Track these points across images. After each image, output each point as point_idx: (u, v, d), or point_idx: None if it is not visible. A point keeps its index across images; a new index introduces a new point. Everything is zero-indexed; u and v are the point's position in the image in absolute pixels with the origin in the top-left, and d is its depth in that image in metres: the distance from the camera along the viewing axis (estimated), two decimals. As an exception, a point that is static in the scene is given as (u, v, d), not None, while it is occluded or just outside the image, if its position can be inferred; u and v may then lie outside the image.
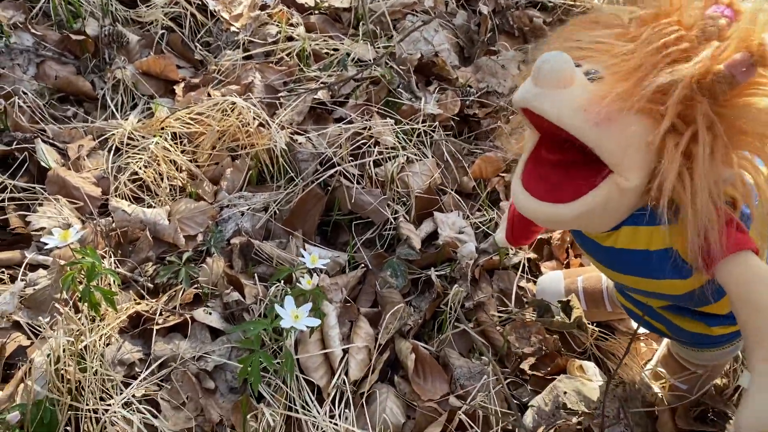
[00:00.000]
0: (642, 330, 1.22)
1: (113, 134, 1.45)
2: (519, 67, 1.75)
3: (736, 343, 0.99)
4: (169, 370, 1.08)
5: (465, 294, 1.23)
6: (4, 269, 1.20)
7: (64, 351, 0.99)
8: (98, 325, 1.09)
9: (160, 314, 1.16)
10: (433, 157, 1.47)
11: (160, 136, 1.42)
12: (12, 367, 1.07)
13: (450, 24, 1.89)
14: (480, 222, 1.39)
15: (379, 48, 1.71)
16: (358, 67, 1.63)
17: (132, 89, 1.59)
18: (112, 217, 1.30)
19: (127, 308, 1.15)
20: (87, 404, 0.99)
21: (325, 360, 1.11)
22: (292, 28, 1.73)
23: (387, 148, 1.40)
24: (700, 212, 0.69)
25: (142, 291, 1.21)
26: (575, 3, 1.97)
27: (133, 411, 1.00)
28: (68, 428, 0.99)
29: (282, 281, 1.16)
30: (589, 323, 1.19)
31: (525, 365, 1.16)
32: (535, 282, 1.30)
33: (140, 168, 1.36)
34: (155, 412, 1.02)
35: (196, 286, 1.21)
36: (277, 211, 1.32)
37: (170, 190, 1.38)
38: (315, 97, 1.53)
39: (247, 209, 1.31)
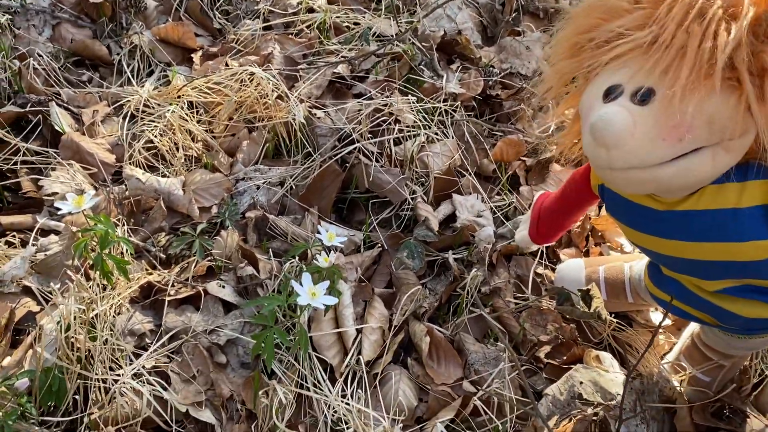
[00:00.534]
0: (667, 321, 1.20)
1: (128, 101, 1.42)
2: (543, 49, 1.70)
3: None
4: (180, 342, 1.06)
5: (482, 279, 1.21)
6: (15, 233, 1.18)
7: (74, 319, 0.97)
8: (109, 294, 1.07)
9: (172, 285, 1.14)
10: (453, 137, 1.44)
11: (177, 105, 1.39)
12: (21, 332, 1.06)
13: (474, 2, 1.85)
14: (499, 206, 1.36)
15: (401, 23, 1.67)
16: (379, 43, 1.60)
17: (149, 56, 1.56)
18: (125, 185, 1.28)
19: (139, 278, 1.13)
20: (96, 373, 0.97)
21: (339, 339, 1.09)
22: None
23: (407, 127, 1.37)
24: None
25: (154, 261, 1.19)
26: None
27: (143, 382, 0.99)
28: (77, 397, 0.97)
29: (297, 258, 1.14)
30: (609, 314, 1.16)
31: (541, 353, 1.14)
32: (553, 269, 1.27)
33: (155, 136, 1.34)
34: (165, 384, 1.00)
35: (209, 258, 1.19)
36: (294, 187, 1.29)
37: (185, 160, 1.35)
38: (335, 71, 1.49)
39: (263, 183, 1.29)
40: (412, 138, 1.37)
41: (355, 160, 1.31)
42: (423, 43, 1.62)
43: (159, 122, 1.36)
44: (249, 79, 1.38)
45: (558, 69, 0.83)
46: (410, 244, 1.22)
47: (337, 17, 1.66)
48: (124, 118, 1.39)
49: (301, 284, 0.90)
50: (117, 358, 1.01)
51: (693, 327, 1.11)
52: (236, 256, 1.16)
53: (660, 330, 1.21)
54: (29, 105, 1.36)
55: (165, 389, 0.99)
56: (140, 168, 1.31)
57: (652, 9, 0.71)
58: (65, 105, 1.41)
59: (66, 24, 1.57)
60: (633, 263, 1.14)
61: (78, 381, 0.98)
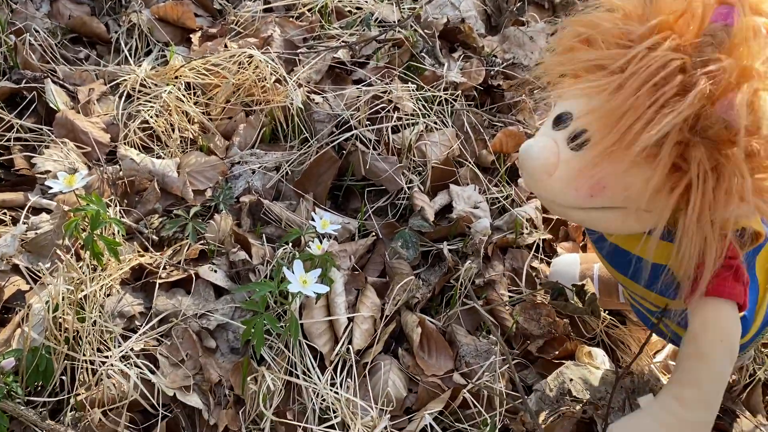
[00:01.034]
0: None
1: (125, 80, 1.40)
2: (547, 40, 1.69)
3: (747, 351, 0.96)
4: (170, 325, 1.06)
5: (476, 271, 1.20)
6: (6, 210, 1.17)
7: (63, 299, 0.96)
8: (99, 275, 1.06)
9: (164, 268, 1.13)
10: (453, 127, 1.42)
11: (174, 86, 1.37)
12: (9, 311, 1.05)
13: (479, -10, 1.83)
14: (497, 198, 1.35)
15: (404, 9, 1.65)
16: (381, 28, 1.58)
17: (147, 35, 1.54)
18: (119, 165, 1.27)
19: (130, 260, 1.12)
20: (84, 355, 0.97)
21: (330, 327, 1.08)
22: (316, -18, 1.67)
23: (406, 115, 1.36)
24: (685, 249, 0.70)
25: (146, 243, 1.18)
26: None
27: (131, 365, 0.98)
28: (63, 378, 0.97)
29: (290, 244, 1.13)
30: (601, 310, 1.16)
31: (532, 347, 1.13)
32: (548, 263, 1.27)
33: (151, 117, 1.32)
34: (153, 367, 1.00)
35: (202, 242, 1.18)
36: (289, 172, 1.28)
37: (181, 141, 1.34)
38: (335, 56, 1.48)
39: (259, 167, 1.27)
40: (411, 126, 1.36)
41: (352, 147, 1.29)
42: (425, 30, 1.60)
43: (155, 102, 1.34)
44: (247, 61, 1.36)
45: (551, 62, 0.82)
46: (405, 233, 1.20)
47: (339, 1, 1.64)
48: (120, 98, 1.38)
49: (292, 271, 0.89)
50: (105, 340, 1.00)
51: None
52: (229, 241, 1.15)
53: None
54: (24, 81, 1.34)
55: (153, 373, 0.98)
56: (135, 148, 1.30)
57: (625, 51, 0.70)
58: (61, 82, 1.39)
59: (64, 0, 1.55)
60: None
61: (65, 362, 0.97)
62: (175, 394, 0.97)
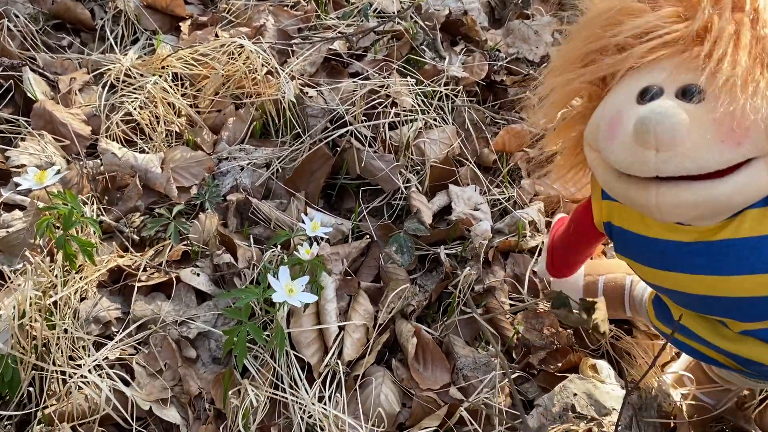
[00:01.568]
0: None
1: (110, 69, 1.33)
2: (553, 34, 1.61)
3: None
4: (148, 333, 0.99)
5: (476, 277, 1.13)
6: (-23, 207, 1.10)
7: (30, 305, 0.90)
8: (73, 278, 0.99)
9: (144, 270, 1.06)
10: (453, 124, 1.35)
11: (160, 76, 1.30)
12: (-24, 315, 0.98)
13: (482, -19, 1.75)
14: (498, 199, 1.28)
15: (404, 0, 1.58)
16: (380, 19, 1.50)
17: (134, 22, 1.47)
18: (100, 160, 1.20)
19: (108, 261, 1.06)
20: (54, 364, 0.90)
21: (319, 336, 1.02)
22: (313, -30, 1.59)
23: (404, 110, 1.29)
24: None
25: (126, 243, 1.12)
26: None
27: (104, 376, 0.91)
28: (31, 389, 0.90)
29: (279, 246, 1.06)
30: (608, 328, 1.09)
31: (534, 359, 1.07)
32: (552, 269, 1.20)
33: (135, 109, 1.25)
34: (128, 378, 0.93)
35: (185, 242, 1.11)
36: (280, 169, 1.21)
37: (166, 135, 1.27)
38: (331, 47, 1.41)
39: (248, 164, 1.20)
40: (409, 123, 1.29)
41: (346, 143, 1.22)
42: (426, 22, 1.53)
43: (140, 93, 1.27)
44: (238, 52, 1.28)
45: (566, 80, 0.74)
46: (399, 237, 1.14)
47: (336, -10, 1.57)
48: (103, 88, 1.30)
49: (277, 279, 0.83)
50: (77, 348, 0.94)
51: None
52: (214, 242, 1.09)
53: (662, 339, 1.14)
54: (1, 69, 1.27)
55: (127, 384, 0.92)
56: (117, 142, 1.23)
57: (677, 5, 0.64)
58: (41, 71, 1.32)
59: (48, -16, 1.48)
60: (636, 278, 1.06)
61: (33, 372, 0.90)
62: (151, 407, 0.91)
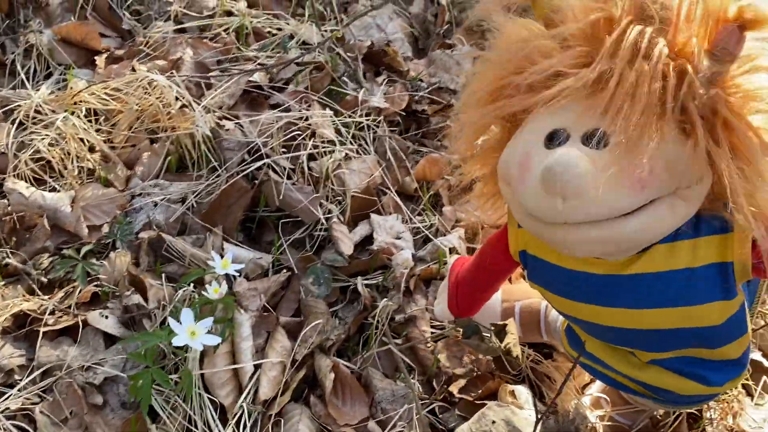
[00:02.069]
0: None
1: (20, 106, 1.29)
2: (473, 63, 1.65)
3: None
4: (54, 380, 0.95)
5: (396, 307, 1.13)
6: None
7: None
8: (-29, 326, 0.95)
9: (51, 314, 1.02)
10: (375, 154, 1.36)
11: (72, 112, 1.27)
12: None
13: (405, 12, 1.78)
14: (420, 227, 1.29)
15: (325, 31, 1.59)
16: (302, 50, 1.51)
17: (47, 57, 1.43)
18: (7, 200, 1.16)
19: (11, 306, 1.02)
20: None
21: (234, 375, 1.00)
22: (233, 2, 1.59)
23: (323, 142, 1.29)
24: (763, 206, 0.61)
25: (34, 286, 1.08)
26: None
27: (4, 429, 0.87)
28: None
29: (192, 285, 1.04)
30: (524, 345, 1.10)
31: (454, 388, 1.07)
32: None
33: (45, 146, 1.21)
34: (30, 430, 0.89)
35: (96, 283, 1.08)
36: (195, 204, 1.19)
37: (79, 172, 1.24)
38: (250, 79, 1.40)
39: (162, 199, 1.18)
40: (329, 154, 1.29)
41: (264, 176, 1.22)
42: (348, 53, 1.54)
43: (51, 130, 1.23)
44: (151, 86, 1.27)
45: (473, 117, 0.75)
46: (317, 269, 1.13)
47: (257, 22, 1.57)
48: (12, 124, 1.26)
49: (179, 321, 0.81)
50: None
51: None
52: (123, 283, 1.06)
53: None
54: None
55: (28, 436, 0.88)
56: (25, 181, 1.19)
57: (588, 48, 0.65)
58: (-56, 108, 1.28)
59: (-45, 18, 1.44)
60: None
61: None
62: (53, 459, 0.87)
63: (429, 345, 1.12)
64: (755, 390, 1.10)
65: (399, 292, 1.16)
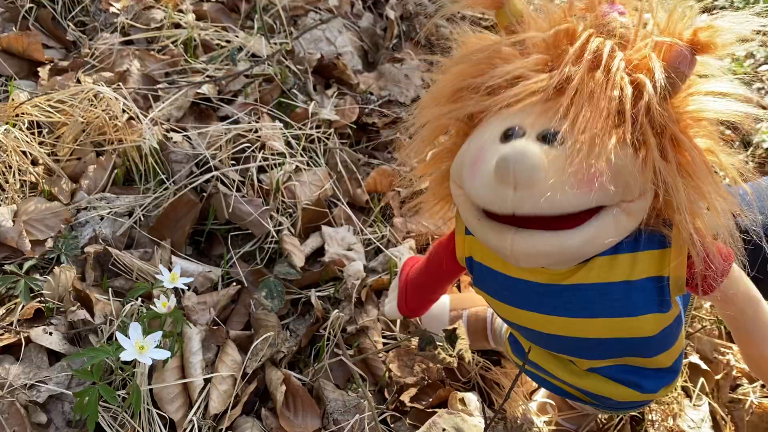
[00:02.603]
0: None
1: (-43, 118, 1.25)
2: (422, 78, 1.68)
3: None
4: (-6, 400, 0.92)
5: (348, 318, 1.14)
6: None
7: None
8: None
9: (-8, 332, 0.99)
10: (325, 166, 1.37)
11: (14, 125, 1.24)
12: None
13: (355, 26, 1.80)
14: (372, 239, 1.31)
15: (275, 44, 1.60)
16: (251, 62, 1.51)
17: (-14, 68, 1.39)
18: (-56, 215, 1.12)
19: (-51, 325, 0.98)
20: None
21: (184, 390, 0.98)
22: (181, 14, 1.58)
23: (273, 154, 1.29)
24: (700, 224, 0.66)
25: (-27, 303, 1.04)
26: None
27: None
28: None
29: (139, 299, 1.02)
30: (475, 352, 1.13)
31: (405, 397, 1.08)
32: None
33: (-16, 159, 1.18)
34: (-32, 452, 0.86)
35: (39, 299, 1.05)
36: (143, 217, 1.17)
37: (21, 186, 1.21)
38: (199, 91, 1.39)
39: (108, 213, 1.16)
40: (279, 166, 1.29)
41: (213, 189, 1.21)
42: (298, 66, 1.55)
43: (-10, 143, 1.20)
44: (97, 98, 1.25)
45: (434, 114, 0.76)
46: (269, 282, 1.13)
47: (206, 34, 1.56)
48: (-51, 138, 1.22)
49: (127, 336, 0.80)
50: None
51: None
52: (68, 298, 1.03)
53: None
54: None
55: (-34, 459, 0.85)
56: (-37, 195, 1.15)
57: (547, 56, 0.67)
58: None
59: None
60: None
61: None
62: (-7, 482, 0.84)
63: (381, 355, 1.13)
64: (693, 392, 1.15)
65: (351, 303, 1.16)
